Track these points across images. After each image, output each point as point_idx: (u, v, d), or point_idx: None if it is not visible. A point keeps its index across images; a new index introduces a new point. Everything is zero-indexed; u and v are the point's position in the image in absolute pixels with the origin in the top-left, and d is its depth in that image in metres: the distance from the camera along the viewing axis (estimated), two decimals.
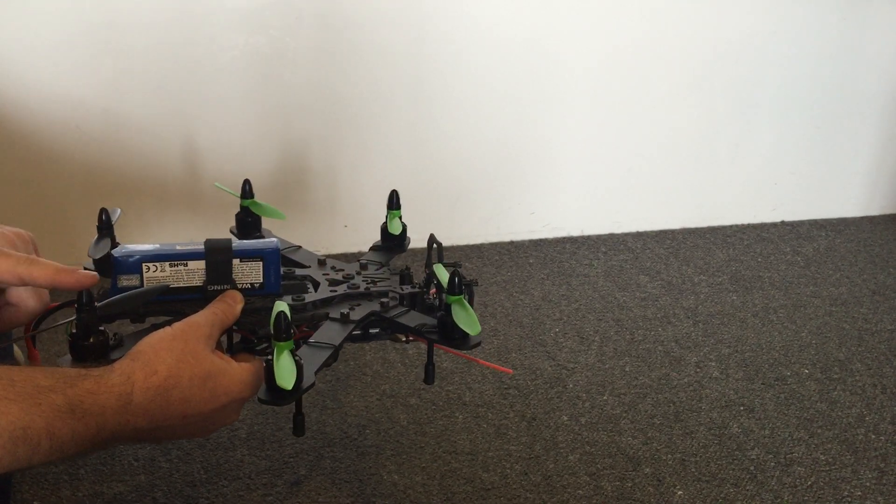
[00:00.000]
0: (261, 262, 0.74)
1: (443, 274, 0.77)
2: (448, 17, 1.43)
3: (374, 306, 0.79)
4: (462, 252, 1.58)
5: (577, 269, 1.54)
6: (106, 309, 0.68)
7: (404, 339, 0.81)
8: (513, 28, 1.47)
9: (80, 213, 1.39)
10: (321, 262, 0.87)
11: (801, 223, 1.78)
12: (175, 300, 0.73)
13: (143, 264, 0.72)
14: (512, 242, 1.63)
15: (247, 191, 0.93)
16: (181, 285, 0.73)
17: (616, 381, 1.20)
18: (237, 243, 0.75)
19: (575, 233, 1.68)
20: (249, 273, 0.74)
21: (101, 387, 0.59)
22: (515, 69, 1.51)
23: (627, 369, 1.23)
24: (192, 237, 1.48)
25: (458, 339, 0.74)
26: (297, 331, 0.74)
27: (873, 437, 1.11)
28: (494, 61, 1.49)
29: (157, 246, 0.74)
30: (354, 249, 1.53)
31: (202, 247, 0.73)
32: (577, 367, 1.23)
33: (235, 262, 0.74)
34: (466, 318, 0.73)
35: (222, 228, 1.50)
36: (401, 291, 0.81)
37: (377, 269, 0.87)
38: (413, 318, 0.78)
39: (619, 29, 1.53)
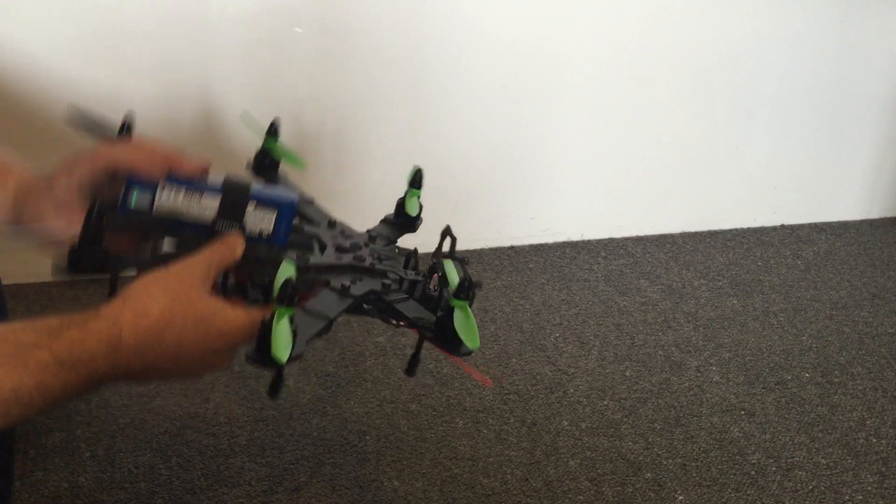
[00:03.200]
0: (275, 213, 0.72)
1: (452, 272, 0.75)
2: (448, 22, 1.43)
3: (376, 285, 0.76)
4: (461, 257, 1.58)
5: (577, 274, 1.54)
6: (112, 224, 0.68)
7: (395, 323, 0.79)
8: (513, 33, 1.47)
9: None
10: (331, 224, 0.84)
11: (801, 226, 1.78)
12: (181, 231, 0.71)
13: (160, 187, 0.70)
14: (512, 247, 1.63)
15: (273, 130, 0.88)
16: (191, 215, 0.71)
17: (616, 385, 1.20)
18: (257, 187, 0.73)
19: (575, 237, 1.68)
20: (261, 220, 0.72)
21: (87, 334, 0.58)
22: (516, 74, 1.51)
23: (628, 374, 1.23)
24: None
25: (452, 343, 0.73)
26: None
27: (874, 440, 1.11)
28: (494, 66, 1.49)
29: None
30: None
31: (220, 183, 0.72)
32: (578, 372, 1.23)
33: (250, 205, 0.71)
34: (468, 329, 0.71)
35: None
36: (404, 275, 0.79)
37: (385, 245, 0.84)
38: (411, 308, 0.76)
39: (619, 34, 1.53)
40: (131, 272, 0.72)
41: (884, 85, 1.74)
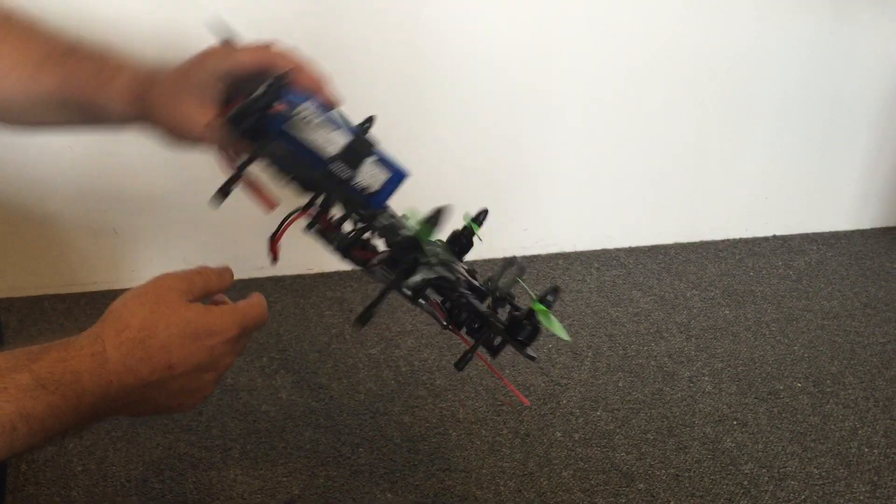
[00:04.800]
0: (387, 176, 0.72)
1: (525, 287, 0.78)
2: (441, 36, 1.44)
3: (451, 276, 0.76)
4: None
5: (569, 285, 1.54)
6: (243, 106, 0.67)
7: (446, 323, 0.78)
8: (505, 46, 1.48)
9: (75, 232, 1.39)
10: (405, 217, 0.85)
11: (792, 237, 1.79)
12: (298, 151, 0.70)
13: (305, 104, 0.70)
14: (505, 258, 1.63)
15: (480, 219, 0.86)
16: (315, 142, 0.70)
17: (609, 396, 1.20)
18: (383, 150, 0.73)
19: (567, 248, 1.68)
20: (372, 177, 0.72)
21: (69, 353, 0.56)
22: (508, 87, 1.51)
23: (621, 384, 1.23)
24: (187, 253, 1.48)
25: (522, 342, 0.74)
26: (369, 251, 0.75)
27: (866, 450, 1.11)
28: (486, 79, 1.50)
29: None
30: (347, 267, 1.52)
31: (356, 127, 0.72)
32: (571, 383, 1.23)
33: (369, 159, 0.71)
34: (558, 326, 0.73)
35: (221, 245, 1.51)
36: (468, 279, 0.79)
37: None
38: (478, 306, 0.77)
39: (611, 45, 1.54)
40: None
41: (875, 96, 1.75)
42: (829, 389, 1.24)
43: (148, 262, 1.44)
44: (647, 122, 1.63)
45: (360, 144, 0.71)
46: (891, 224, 1.88)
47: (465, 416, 1.14)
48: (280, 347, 1.28)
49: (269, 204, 0.73)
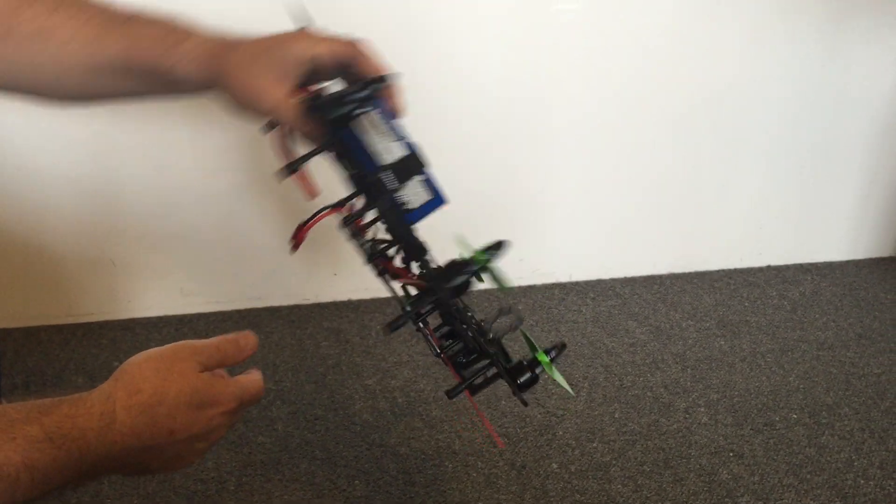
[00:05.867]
0: (429, 198, 0.75)
1: (528, 340, 0.80)
2: (437, 64, 1.46)
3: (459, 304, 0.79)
4: None
5: (565, 315, 1.55)
6: (320, 99, 0.69)
7: (438, 352, 0.79)
8: (500, 77, 1.50)
9: (72, 263, 1.39)
10: None
11: (786, 267, 1.80)
12: (353, 150, 0.72)
13: (373, 110, 0.72)
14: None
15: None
16: (373, 147, 0.72)
17: (605, 427, 1.20)
18: (430, 170, 0.76)
19: (563, 279, 1.69)
20: (414, 194, 0.74)
21: (79, 410, 0.57)
22: (502, 118, 1.53)
23: (617, 416, 1.23)
24: (184, 284, 1.49)
25: (522, 385, 0.76)
26: (411, 275, 0.76)
27: (862, 482, 1.11)
28: (481, 110, 1.51)
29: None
30: (344, 298, 1.53)
31: (413, 145, 0.74)
32: (567, 414, 1.23)
33: (417, 178, 0.74)
34: (561, 378, 0.75)
35: (218, 276, 1.51)
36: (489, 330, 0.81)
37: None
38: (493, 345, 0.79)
39: (605, 77, 1.55)
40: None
41: (866, 128, 1.76)
42: (824, 421, 1.25)
43: (144, 293, 1.44)
44: (642, 153, 1.64)
45: (414, 161, 0.74)
46: (884, 254, 1.89)
47: (461, 447, 1.14)
48: (276, 378, 1.28)
49: (312, 192, 0.74)
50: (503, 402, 1.25)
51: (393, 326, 0.72)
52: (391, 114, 0.73)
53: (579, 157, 1.61)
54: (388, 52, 1.44)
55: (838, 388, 1.34)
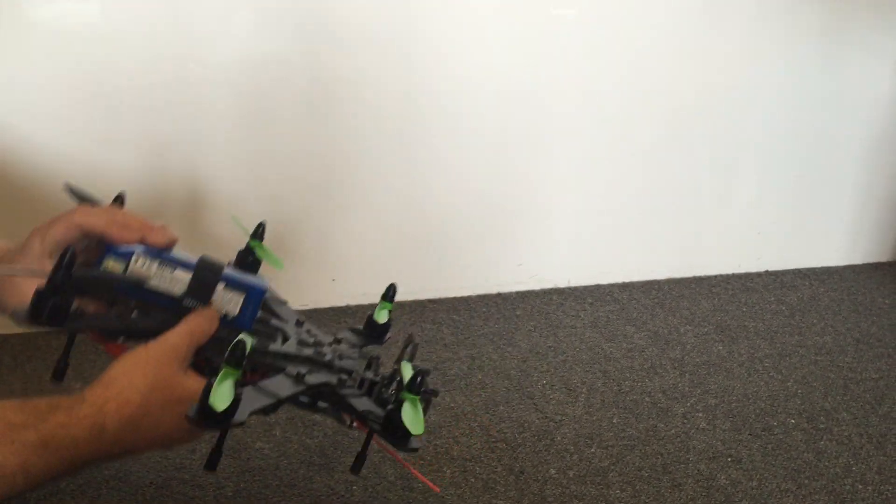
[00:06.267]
0: (244, 296, 0.74)
1: (407, 370, 0.78)
2: (434, 72, 1.46)
3: (332, 379, 0.78)
4: (450, 304, 1.59)
5: (564, 321, 1.55)
6: (81, 278, 0.68)
7: (349, 422, 0.81)
8: (499, 83, 1.50)
9: None
10: (299, 323, 0.87)
11: (785, 272, 1.80)
12: (147, 300, 0.72)
13: (135, 255, 0.72)
14: (499, 294, 1.64)
15: (259, 232, 0.91)
16: (160, 288, 0.72)
17: (604, 432, 1.20)
18: (230, 270, 0.75)
19: (562, 284, 1.69)
20: (228, 302, 0.74)
21: (72, 419, 0.60)
22: (501, 123, 1.53)
23: (615, 421, 1.23)
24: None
25: (399, 437, 0.74)
26: (250, 373, 0.74)
27: (860, 487, 1.11)
28: (480, 115, 1.51)
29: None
30: (342, 303, 1.53)
31: (195, 260, 0.74)
32: (565, 420, 1.23)
33: (220, 286, 0.74)
34: (414, 418, 0.73)
35: None
36: (362, 375, 0.81)
37: (350, 348, 0.86)
38: (363, 404, 0.78)
39: (605, 82, 1.56)
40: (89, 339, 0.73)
41: (864, 134, 1.77)
42: (822, 426, 1.25)
43: None
44: (641, 159, 1.64)
45: (205, 275, 0.73)
46: (882, 259, 1.90)
47: (459, 453, 1.14)
48: None
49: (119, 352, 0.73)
50: (501, 408, 1.25)
51: (208, 464, 0.73)
52: (157, 250, 0.73)
53: (577, 163, 1.61)
54: (386, 55, 1.45)
55: (836, 392, 1.34)
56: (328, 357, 0.81)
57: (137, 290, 0.72)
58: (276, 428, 1.18)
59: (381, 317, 0.92)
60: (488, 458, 1.13)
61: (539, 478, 1.10)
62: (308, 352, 0.80)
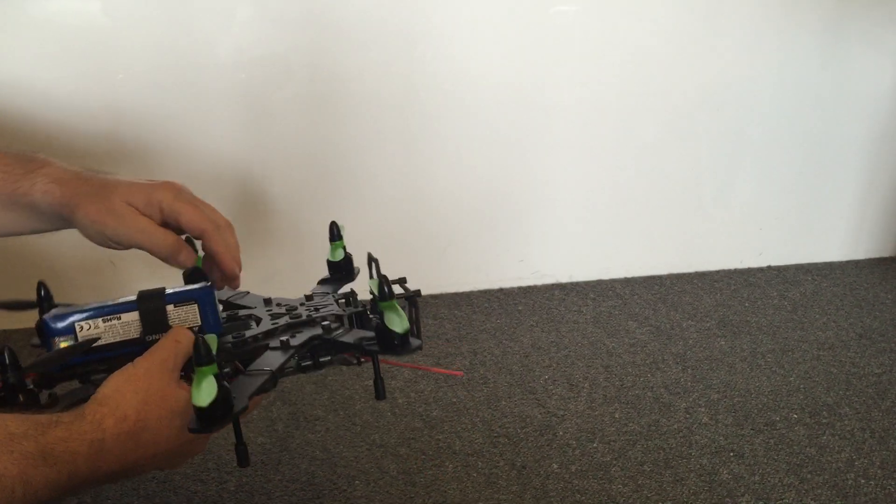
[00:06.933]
0: (196, 305, 0.74)
1: (376, 287, 0.77)
2: (437, 68, 1.46)
3: (317, 330, 0.78)
4: (451, 299, 1.59)
5: (566, 316, 1.55)
6: (33, 369, 0.69)
7: (356, 360, 0.80)
8: (501, 78, 1.50)
9: (70, 264, 1.39)
10: (266, 301, 0.87)
11: (787, 268, 1.80)
12: (114, 355, 0.72)
13: (76, 324, 0.71)
14: (501, 289, 1.64)
15: (336, 233, 0.93)
16: (117, 339, 0.72)
17: (606, 427, 1.20)
18: (170, 290, 0.75)
19: (564, 279, 1.69)
20: (186, 317, 0.74)
21: (72, 434, 0.60)
22: (504, 118, 1.53)
23: (617, 416, 1.23)
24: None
25: (397, 345, 0.73)
26: (242, 367, 0.74)
27: (863, 481, 1.11)
28: (482, 110, 1.51)
29: (91, 304, 0.73)
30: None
31: (134, 298, 0.74)
32: (567, 414, 1.23)
33: (170, 308, 0.73)
34: (397, 320, 0.72)
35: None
36: (343, 312, 0.81)
37: (323, 299, 0.86)
38: (354, 335, 0.78)
39: (606, 78, 1.56)
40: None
41: (866, 127, 1.77)
42: (825, 420, 1.24)
43: None
44: (643, 155, 1.64)
45: (150, 306, 0.73)
46: (884, 255, 1.89)
47: (461, 447, 1.14)
48: None
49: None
50: (503, 403, 1.25)
51: (241, 462, 0.74)
52: (97, 308, 0.73)
53: (579, 158, 1.61)
54: (387, 54, 1.45)
55: (839, 387, 1.34)
56: (304, 316, 0.81)
57: (97, 351, 0.71)
58: (278, 423, 1.18)
59: (337, 255, 0.93)
60: (490, 452, 1.13)
61: (541, 472, 1.10)
62: (284, 320, 0.81)
